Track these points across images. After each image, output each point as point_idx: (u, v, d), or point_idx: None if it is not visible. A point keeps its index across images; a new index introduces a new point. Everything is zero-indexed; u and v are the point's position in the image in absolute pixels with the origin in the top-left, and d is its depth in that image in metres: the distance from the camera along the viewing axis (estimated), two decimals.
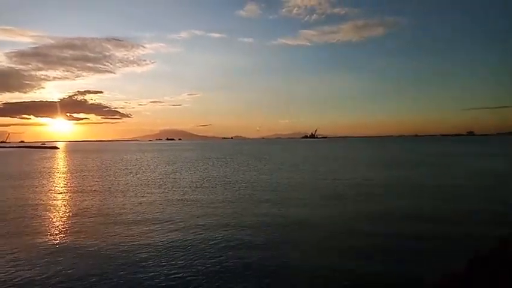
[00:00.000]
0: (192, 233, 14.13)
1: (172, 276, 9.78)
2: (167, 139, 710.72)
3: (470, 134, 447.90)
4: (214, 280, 9.50)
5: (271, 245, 12.46)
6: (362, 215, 16.99)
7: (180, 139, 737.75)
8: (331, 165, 46.91)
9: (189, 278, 9.66)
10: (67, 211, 18.93)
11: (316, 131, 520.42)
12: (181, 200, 21.80)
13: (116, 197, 23.22)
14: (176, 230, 14.57)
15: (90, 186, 28.73)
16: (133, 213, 18.13)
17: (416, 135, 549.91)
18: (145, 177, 34.63)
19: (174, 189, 26.47)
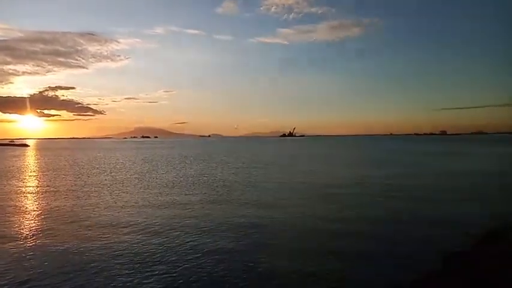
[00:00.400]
0: (167, 236, 13.78)
1: (146, 282, 9.45)
2: (142, 137, 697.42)
3: (443, 133, 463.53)
4: (192, 285, 9.25)
5: (239, 249, 12.30)
6: (329, 215, 17.07)
7: (156, 137, 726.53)
8: (305, 164, 47.22)
9: (163, 284, 9.36)
10: (35, 213, 18.06)
11: (294, 129, 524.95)
12: (156, 201, 21.31)
13: (88, 197, 22.43)
14: (150, 233, 14.17)
15: (61, 186, 27.67)
16: (106, 215, 17.50)
17: (391, 134, 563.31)
18: (119, 177, 33.72)
19: (149, 189, 25.88)
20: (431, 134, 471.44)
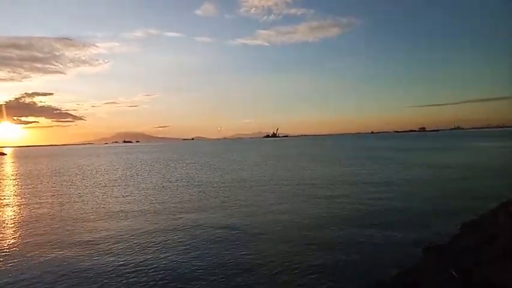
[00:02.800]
0: (152, 238, 13.72)
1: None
2: (124, 142, 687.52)
3: (422, 130, 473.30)
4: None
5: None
6: (313, 212, 17.30)
7: (137, 141, 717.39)
8: (287, 164, 47.52)
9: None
10: (11, 224, 17.66)
11: (277, 130, 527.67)
12: (140, 210, 21.16)
13: (69, 206, 22.06)
14: (135, 247, 14.07)
15: (40, 195, 27.06)
16: (86, 226, 17.28)
17: (372, 133, 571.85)
18: (100, 183, 33.22)
19: (132, 195, 25.61)
20: (411, 130, 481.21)
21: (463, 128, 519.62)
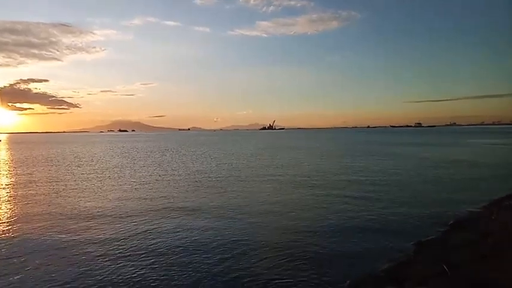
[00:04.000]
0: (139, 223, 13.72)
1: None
2: (120, 130, 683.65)
3: (418, 125, 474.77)
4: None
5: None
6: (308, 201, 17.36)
7: (133, 130, 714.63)
8: (281, 155, 47.59)
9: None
10: (5, 211, 17.60)
11: (274, 122, 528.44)
12: (138, 199, 21.15)
13: (63, 195, 22.00)
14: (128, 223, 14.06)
15: (34, 181, 26.93)
16: (80, 214, 17.25)
17: (368, 127, 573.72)
18: (94, 172, 33.11)
19: (127, 185, 25.56)
20: (407, 126, 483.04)
21: (459, 125, 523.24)
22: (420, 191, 20.54)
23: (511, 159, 39.33)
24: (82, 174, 31.13)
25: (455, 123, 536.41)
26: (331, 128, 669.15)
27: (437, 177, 26.00)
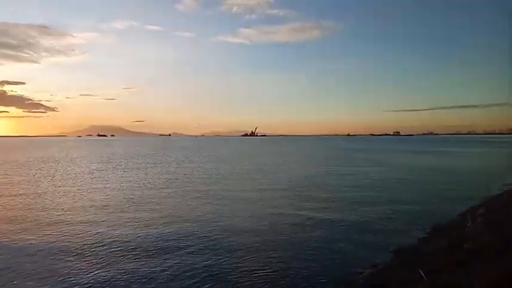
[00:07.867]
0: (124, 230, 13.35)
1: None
2: (99, 135, 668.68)
3: (397, 134, 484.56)
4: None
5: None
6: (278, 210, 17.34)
7: (112, 135, 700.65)
8: (260, 162, 47.65)
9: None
10: None
11: (256, 129, 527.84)
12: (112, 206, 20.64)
13: (36, 201, 21.29)
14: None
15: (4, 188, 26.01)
16: (52, 216, 16.69)
17: (348, 135, 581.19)
18: (68, 177, 32.27)
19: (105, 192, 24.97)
20: (386, 134, 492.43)
21: (435, 134, 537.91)
22: (397, 199, 20.81)
23: (485, 167, 40.46)
24: (57, 180, 30.22)
25: (431, 132, 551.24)
26: (312, 135, 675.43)
27: (414, 185, 26.49)
